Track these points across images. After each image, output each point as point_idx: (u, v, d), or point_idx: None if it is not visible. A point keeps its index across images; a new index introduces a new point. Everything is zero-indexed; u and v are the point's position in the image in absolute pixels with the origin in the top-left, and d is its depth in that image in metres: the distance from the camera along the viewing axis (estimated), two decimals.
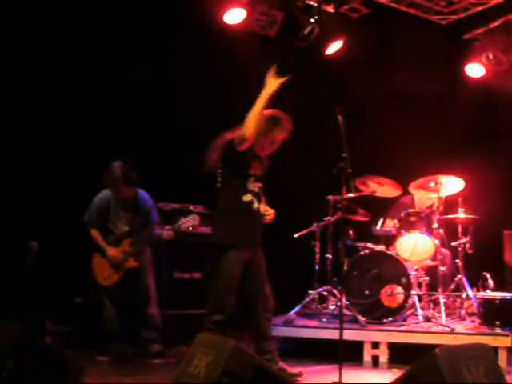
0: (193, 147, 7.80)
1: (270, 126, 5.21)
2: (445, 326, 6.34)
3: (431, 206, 7.30)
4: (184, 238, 7.20)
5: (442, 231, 7.04)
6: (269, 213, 5.30)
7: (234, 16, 7.16)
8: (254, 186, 5.22)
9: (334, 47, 7.70)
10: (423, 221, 7.03)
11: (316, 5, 7.53)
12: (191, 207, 6.91)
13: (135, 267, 6.28)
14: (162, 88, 7.68)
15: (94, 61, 7.38)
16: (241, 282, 5.23)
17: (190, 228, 6.24)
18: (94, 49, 7.36)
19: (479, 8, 8.14)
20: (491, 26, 8.05)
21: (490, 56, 7.89)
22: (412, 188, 7.27)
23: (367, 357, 6.24)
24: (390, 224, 7.33)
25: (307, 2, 7.51)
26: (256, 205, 5.23)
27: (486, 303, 6.41)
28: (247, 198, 5.17)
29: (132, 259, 6.27)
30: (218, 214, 5.35)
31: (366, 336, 6.31)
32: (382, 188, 7.23)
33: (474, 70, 8.16)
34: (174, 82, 7.68)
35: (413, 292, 6.69)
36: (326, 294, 7.21)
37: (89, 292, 6.70)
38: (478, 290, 6.99)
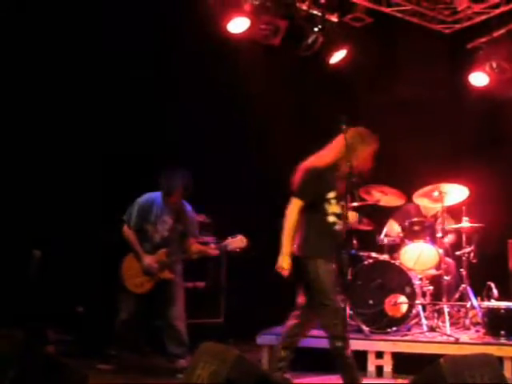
0: (198, 155, 7.88)
1: (355, 145, 5.19)
2: (449, 335, 6.32)
3: (435, 215, 7.28)
4: None
5: (447, 240, 7.02)
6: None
7: (238, 25, 7.16)
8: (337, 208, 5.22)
9: (338, 56, 7.70)
10: (427, 230, 7.01)
11: (320, 14, 7.54)
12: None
13: (170, 279, 6.22)
14: (164, 95, 7.69)
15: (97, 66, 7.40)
16: None
17: (237, 250, 6.20)
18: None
19: (483, 17, 8.15)
20: (495, 34, 8.04)
21: (494, 65, 7.88)
22: (416, 197, 7.24)
23: (371, 367, 6.22)
24: (395, 227, 7.32)
25: (311, 11, 7.50)
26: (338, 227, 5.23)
27: (491, 313, 6.39)
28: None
29: (168, 270, 6.21)
30: None
31: (370, 346, 6.28)
32: (386, 197, 7.21)
33: (478, 78, 8.14)
34: (175, 89, 7.69)
35: (417, 302, 6.68)
36: None
37: (90, 301, 6.67)
38: (482, 300, 6.97)
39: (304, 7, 7.50)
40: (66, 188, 7.27)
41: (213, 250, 6.33)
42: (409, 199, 7.38)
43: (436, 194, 6.96)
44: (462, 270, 7.09)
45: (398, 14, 7.99)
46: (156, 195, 6.28)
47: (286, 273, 5.07)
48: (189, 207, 6.37)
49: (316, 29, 7.37)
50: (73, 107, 7.45)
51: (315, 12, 7.53)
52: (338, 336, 4.96)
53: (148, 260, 6.16)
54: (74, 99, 7.42)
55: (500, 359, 5.69)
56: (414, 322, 6.76)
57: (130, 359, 6.37)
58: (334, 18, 7.74)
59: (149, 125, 7.71)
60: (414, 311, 6.67)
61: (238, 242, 6.10)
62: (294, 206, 5.09)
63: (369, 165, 5.33)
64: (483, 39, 8.23)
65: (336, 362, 5.01)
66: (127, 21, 7.06)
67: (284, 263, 5.04)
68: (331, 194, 5.13)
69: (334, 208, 5.15)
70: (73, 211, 7.07)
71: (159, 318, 6.33)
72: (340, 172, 5.12)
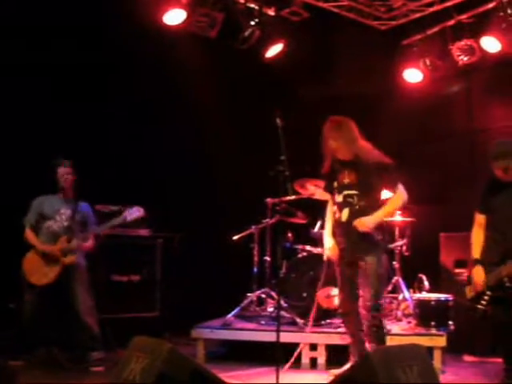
0: (132, 148, 7.78)
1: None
2: None
3: None
4: (122, 240, 7.12)
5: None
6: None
7: (174, 17, 7.11)
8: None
9: (274, 50, 7.72)
10: None
11: (257, 7, 7.53)
12: (124, 208, 6.81)
13: (73, 264, 6.17)
14: (101, 89, 7.56)
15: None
16: None
17: (137, 219, 6.26)
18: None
19: (418, 15, 8.29)
20: (428, 32, 8.20)
21: (427, 62, 8.02)
22: None
23: (305, 359, 6.26)
24: None
25: (248, 4, 7.50)
26: (337, 215, 5.34)
27: (422, 304, 6.51)
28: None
29: (71, 255, 6.18)
30: None
31: (304, 338, 6.32)
32: (321, 190, 7.26)
33: (412, 75, 8.28)
34: (112, 84, 7.57)
35: None
36: (264, 296, 7.21)
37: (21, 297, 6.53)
38: (414, 292, 7.10)
39: (241, 0, 7.49)
40: None
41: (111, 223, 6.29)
42: None
43: None
44: (394, 262, 7.21)
45: (335, 10, 8.06)
46: (48, 195, 6.41)
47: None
48: (85, 204, 6.48)
49: (253, 22, 7.37)
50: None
51: (252, 5, 7.53)
52: None
53: (46, 246, 6.19)
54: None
55: (430, 349, 5.83)
56: None
57: (60, 355, 6.26)
58: (271, 12, 7.76)
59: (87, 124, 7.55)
60: None
61: (136, 212, 6.17)
62: None
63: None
64: (418, 36, 8.38)
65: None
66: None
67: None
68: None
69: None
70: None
71: (68, 312, 6.26)
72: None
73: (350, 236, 5.27)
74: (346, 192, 5.28)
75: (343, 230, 5.32)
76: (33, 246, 6.24)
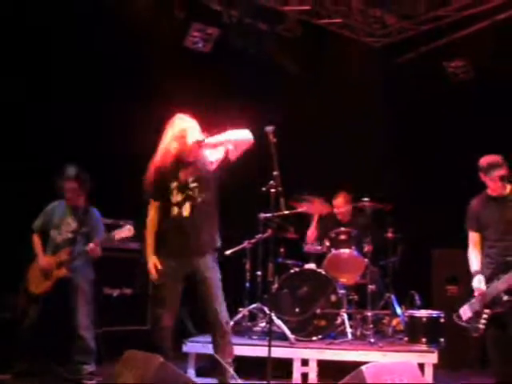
0: (123, 161, 7.76)
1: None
2: (373, 343, 6.42)
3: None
4: (114, 254, 7.11)
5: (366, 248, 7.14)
6: None
7: None
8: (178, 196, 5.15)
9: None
10: (353, 239, 7.12)
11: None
12: (121, 223, 6.82)
13: (66, 276, 6.15)
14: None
15: None
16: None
17: (125, 239, 6.18)
18: None
19: (411, 33, 8.39)
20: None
21: None
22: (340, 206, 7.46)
23: (296, 374, 6.25)
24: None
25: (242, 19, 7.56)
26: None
27: (413, 321, 6.54)
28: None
29: (64, 268, 6.16)
30: None
31: (295, 353, 6.32)
32: (313, 206, 7.30)
33: None
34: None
35: (342, 310, 6.76)
36: (256, 311, 7.20)
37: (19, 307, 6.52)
38: (406, 308, 7.12)
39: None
40: None
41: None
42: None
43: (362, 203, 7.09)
44: (386, 278, 7.23)
45: (331, 27, 8.15)
46: (60, 201, 6.41)
47: None
48: (97, 213, 6.45)
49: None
50: None
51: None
52: None
53: (42, 261, 6.20)
54: None
55: (421, 366, 5.83)
56: (339, 329, 6.83)
57: (55, 369, 6.24)
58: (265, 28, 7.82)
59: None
60: (339, 319, 6.75)
61: (125, 231, 6.05)
62: None
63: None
64: (411, 55, 8.49)
65: None
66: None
67: None
68: None
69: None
70: None
71: (65, 325, 6.25)
72: None
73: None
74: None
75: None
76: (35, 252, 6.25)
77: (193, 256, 5.06)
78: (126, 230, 6.05)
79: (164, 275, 5.05)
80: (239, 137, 5.09)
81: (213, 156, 5.19)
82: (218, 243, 5.21)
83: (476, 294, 5.29)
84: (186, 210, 5.06)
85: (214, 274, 5.10)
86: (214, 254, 5.17)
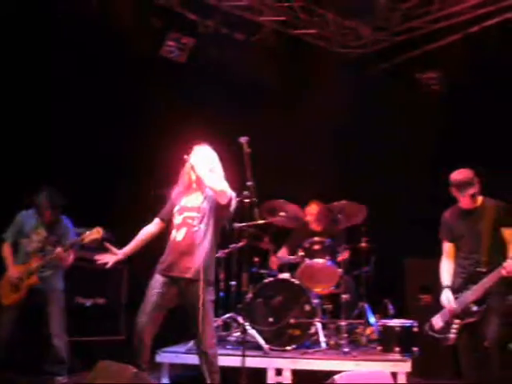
0: (97, 170, 7.73)
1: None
2: (347, 352, 6.43)
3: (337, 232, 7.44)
4: (87, 264, 7.06)
5: (345, 259, 7.17)
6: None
7: None
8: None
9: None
10: (327, 249, 7.15)
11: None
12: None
13: (36, 284, 6.13)
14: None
15: None
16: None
17: (95, 241, 6.04)
18: None
19: (385, 44, 8.47)
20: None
21: None
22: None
23: (270, 383, 6.25)
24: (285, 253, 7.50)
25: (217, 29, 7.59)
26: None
27: (387, 330, 6.57)
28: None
29: (35, 276, 6.13)
30: None
31: (269, 363, 6.31)
32: (288, 215, 7.31)
33: None
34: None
35: (316, 319, 6.78)
36: (230, 321, 7.19)
37: None
38: (380, 317, 7.15)
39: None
40: None
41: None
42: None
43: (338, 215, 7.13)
44: (360, 288, 7.27)
45: (305, 38, 8.21)
46: (29, 211, 6.43)
47: None
48: (67, 221, 6.49)
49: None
50: None
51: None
52: None
53: (13, 270, 6.18)
54: None
55: (395, 375, 5.87)
56: (313, 339, 6.84)
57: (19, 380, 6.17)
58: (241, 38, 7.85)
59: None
60: (313, 329, 6.76)
61: (94, 233, 5.93)
62: None
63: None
64: (385, 65, 8.56)
65: None
66: None
67: None
68: None
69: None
70: None
71: (36, 335, 6.21)
72: None
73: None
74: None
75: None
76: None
77: (180, 279, 5.06)
78: (95, 232, 5.92)
79: (151, 288, 5.08)
80: (214, 186, 5.04)
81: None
82: (211, 276, 5.12)
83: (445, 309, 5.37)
84: (180, 235, 5.10)
85: (197, 302, 4.97)
86: (207, 285, 5.03)
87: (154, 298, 5.04)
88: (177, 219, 5.17)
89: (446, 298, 5.35)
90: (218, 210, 5.08)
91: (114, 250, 5.17)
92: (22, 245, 6.30)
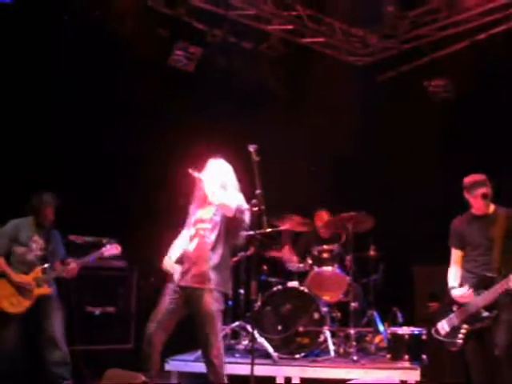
0: (107, 179, 7.76)
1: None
2: (356, 360, 6.43)
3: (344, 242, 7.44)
4: (97, 272, 7.09)
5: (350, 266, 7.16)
6: None
7: None
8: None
9: None
10: (335, 257, 7.15)
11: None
12: (104, 241, 6.82)
13: (48, 294, 6.14)
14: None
15: None
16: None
17: (111, 256, 6.38)
18: None
19: (393, 52, 8.48)
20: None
21: None
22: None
23: None
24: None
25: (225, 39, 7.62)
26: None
27: (396, 338, 6.55)
28: None
29: (46, 286, 6.15)
30: None
31: (278, 371, 6.32)
32: (297, 224, 7.32)
33: None
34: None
35: (325, 327, 6.78)
36: (238, 329, 7.19)
37: None
38: (388, 325, 7.14)
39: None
40: None
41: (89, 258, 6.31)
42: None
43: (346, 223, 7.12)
44: (369, 296, 7.26)
45: (314, 47, 8.23)
46: (22, 219, 6.38)
47: None
48: (57, 233, 6.50)
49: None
50: None
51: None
52: None
53: (20, 278, 6.14)
54: None
55: (404, 383, 5.86)
56: (322, 347, 6.84)
57: None
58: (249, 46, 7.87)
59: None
60: (322, 337, 6.76)
61: (113, 249, 6.32)
62: None
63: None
64: (393, 73, 8.57)
65: None
66: None
67: None
68: None
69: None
70: None
71: (41, 339, 6.20)
72: None
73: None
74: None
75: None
76: (3, 273, 6.13)
77: (187, 288, 5.10)
78: (114, 248, 6.29)
79: (164, 295, 5.18)
80: (215, 200, 5.12)
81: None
82: (220, 286, 5.11)
83: (455, 308, 5.34)
84: (192, 245, 5.18)
85: (201, 311, 5.06)
86: (214, 295, 5.07)
87: (166, 305, 5.12)
88: (191, 230, 5.27)
89: (460, 291, 5.30)
90: (229, 222, 5.14)
91: None
92: (16, 253, 6.22)
